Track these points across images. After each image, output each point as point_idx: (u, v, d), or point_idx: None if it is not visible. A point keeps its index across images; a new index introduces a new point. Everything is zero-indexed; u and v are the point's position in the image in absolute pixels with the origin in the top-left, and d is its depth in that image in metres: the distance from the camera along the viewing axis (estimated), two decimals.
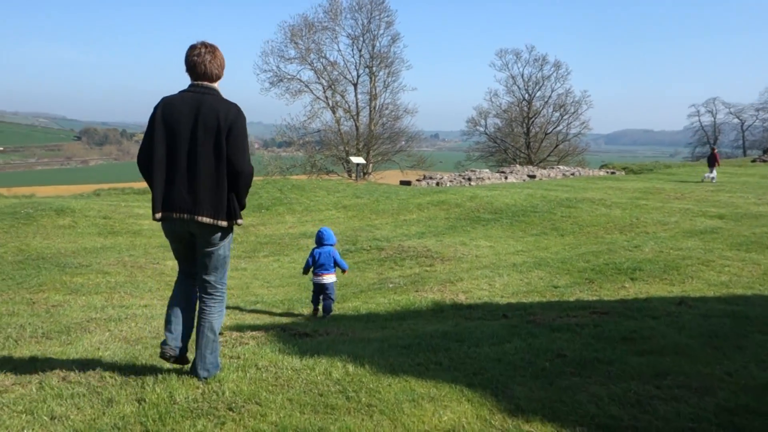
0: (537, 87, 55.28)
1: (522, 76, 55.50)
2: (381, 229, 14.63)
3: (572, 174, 32.18)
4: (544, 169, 34.14)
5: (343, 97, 47.41)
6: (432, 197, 18.07)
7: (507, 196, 17.84)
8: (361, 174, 43.87)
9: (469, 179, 27.83)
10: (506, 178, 29.31)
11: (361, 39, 46.56)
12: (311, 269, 7.22)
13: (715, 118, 75.62)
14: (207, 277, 4.03)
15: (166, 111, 3.88)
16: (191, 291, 4.14)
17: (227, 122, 3.81)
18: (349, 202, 17.68)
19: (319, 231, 7.43)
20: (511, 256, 11.31)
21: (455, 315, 6.85)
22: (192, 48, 3.97)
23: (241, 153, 3.85)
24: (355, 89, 47.35)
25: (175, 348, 3.98)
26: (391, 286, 8.83)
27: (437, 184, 26.61)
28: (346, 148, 45.93)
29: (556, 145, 55.16)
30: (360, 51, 46.79)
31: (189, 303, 4.13)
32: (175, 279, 4.25)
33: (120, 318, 6.21)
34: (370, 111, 47.39)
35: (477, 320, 6.47)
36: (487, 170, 31.36)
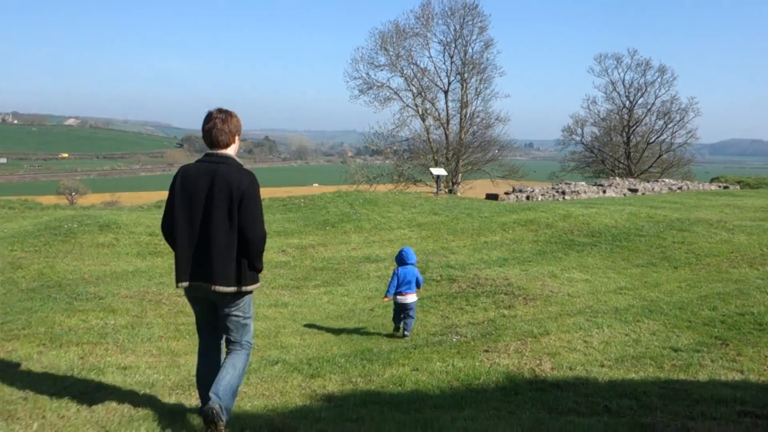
0: (639, 93, 51.50)
1: (623, 81, 51.92)
2: (457, 254, 12.67)
3: (679, 188, 29.06)
4: (647, 182, 31.08)
5: (433, 104, 45.74)
6: (519, 215, 15.93)
7: (606, 215, 15.48)
8: (441, 186, 41.96)
9: (563, 193, 25.37)
10: (604, 191, 26.63)
11: (453, 45, 44.75)
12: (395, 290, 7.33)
13: None
14: (231, 338, 4.22)
15: (184, 181, 4.06)
16: (216, 362, 4.26)
17: (239, 192, 3.95)
18: (424, 219, 15.79)
19: (402, 251, 7.56)
20: (612, 295, 9.13)
21: (534, 401, 4.87)
22: (207, 116, 4.15)
23: (252, 221, 4.01)
24: (446, 96, 45.60)
25: (215, 400, 3.89)
26: (455, 339, 6.90)
27: (527, 198, 24.31)
28: (435, 157, 44.18)
29: (659, 156, 51.20)
30: (452, 57, 44.98)
31: (215, 370, 4.15)
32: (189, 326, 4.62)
33: (71, 393, 4.58)
34: (461, 119, 45.42)
35: (565, 414, 4.48)
36: (584, 183, 28.71)
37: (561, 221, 15.03)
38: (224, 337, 4.26)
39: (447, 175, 41.14)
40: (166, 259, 11.52)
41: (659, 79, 50.39)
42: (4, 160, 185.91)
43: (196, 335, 4.42)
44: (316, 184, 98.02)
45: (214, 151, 4.12)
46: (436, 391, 5.18)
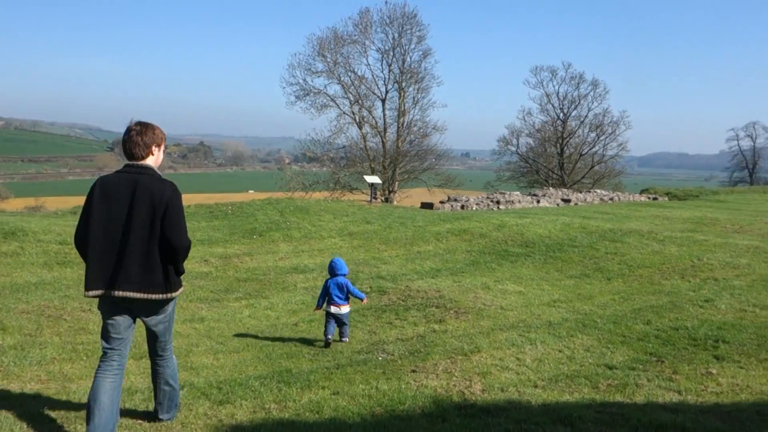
0: (573, 106, 52.51)
1: (557, 94, 52.84)
2: (389, 264, 12.24)
3: (611, 199, 29.49)
4: (580, 192, 31.46)
5: (370, 112, 45.40)
6: (453, 224, 15.64)
7: (540, 225, 15.35)
8: (377, 194, 41.68)
9: (498, 202, 25.34)
10: (538, 201, 26.75)
11: (392, 53, 44.54)
12: (325, 301, 7.27)
13: (755, 143, 72.00)
14: (157, 344, 4.36)
15: (103, 191, 4.05)
16: (116, 388, 4.14)
17: (162, 202, 4.01)
18: (357, 228, 15.31)
19: (332, 261, 7.42)
20: (546, 308, 8.85)
21: (462, 429, 4.45)
22: (126, 130, 4.22)
23: (177, 229, 4.07)
24: (383, 105, 45.35)
25: None
26: (381, 358, 6.43)
27: (462, 207, 24.14)
28: (372, 165, 43.86)
29: (591, 167, 52.28)
30: (390, 66, 44.76)
31: (112, 401, 4.09)
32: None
33: None
34: (398, 127, 45.29)
35: None
36: (518, 193, 28.80)
37: (495, 231, 14.81)
38: (150, 349, 4.44)
39: (382, 184, 40.94)
40: (75, 270, 10.70)
41: (592, 93, 51.58)
42: None
43: (95, 355, 4.53)
44: (252, 191, 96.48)
45: (134, 162, 4.18)
46: (357, 418, 4.69)
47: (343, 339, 7.34)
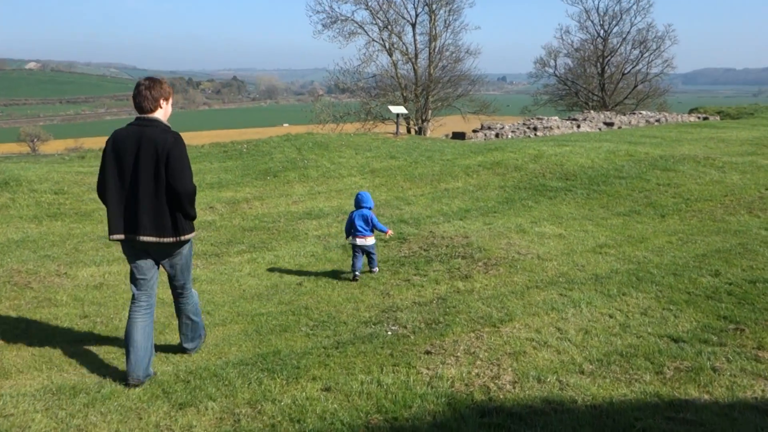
0: (614, 21, 49.22)
1: (597, 9, 49.87)
2: (412, 204, 11.02)
3: (657, 121, 27.52)
4: (624, 115, 29.47)
5: (400, 38, 43.23)
6: (485, 156, 14.27)
7: (582, 154, 13.89)
8: (410, 125, 40.14)
9: (535, 129, 23.71)
10: (579, 126, 25.01)
11: None
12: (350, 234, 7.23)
13: None
14: (175, 283, 4.79)
15: (115, 144, 4.40)
16: (148, 326, 4.58)
17: (164, 150, 4.31)
18: (379, 164, 14.05)
19: (358, 194, 7.32)
20: (591, 255, 7.57)
21: None
22: (136, 85, 4.53)
23: (179, 175, 4.33)
24: (413, 30, 43.11)
25: (137, 379, 4.40)
26: (390, 332, 5.29)
27: (497, 135, 22.61)
28: (404, 93, 42.12)
29: (635, 86, 49.38)
30: None
31: (146, 338, 4.54)
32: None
33: None
34: (430, 53, 43.18)
35: None
36: (556, 118, 27.05)
37: (531, 163, 13.42)
38: (171, 288, 4.86)
39: (415, 113, 39.39)
40: (66, 223, 9.76)
41: (635, 6, 48.16)
42: None
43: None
44: (286, 124, 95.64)
45: (143, 116, 4.46)
46: (347, 431, 3.59)
47: (373, 270, 7.35)
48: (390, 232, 7.55)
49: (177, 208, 4.41)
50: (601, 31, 49.87)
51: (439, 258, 7.68)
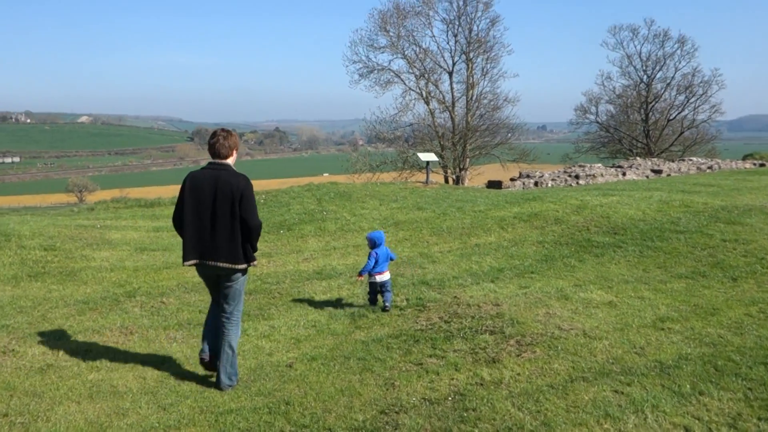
0: (657, 67, 47.71)
1: (639, 55, 48.17)
2: (437, 263, 9.68)
3: (709, 168, 25.79)
4: (672, 161, 27.79)
5: (437, 86, 42.45)
6: (522, 207, 12.88)
7: (631, 205, 12.42)
8: (448, 174, 39.09)
9: (577, 177, 22.25)
10: (624, 174, 23.46)
11: (457, 23, 41.43)
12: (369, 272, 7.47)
13: None
14: (226, 306, 5.39)
15: (193, 183, 5.17)
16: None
17: (238, 191, 5.07)
18: (405, 216, 12.77)
19: (374, 235, 7.67)
20: (651, 332, 6.11)
21: None
22: (212, 134, 5.32)
23: (251, 212, 5.12)
24: (451, 78, 42.30)
25: (207, 354, 5.42)
26: None
27: (535, 184, 21.21)
28: (441, 142, 41.12)
29: (681, 133, 47.48)
30: (456, 36, 41.65)
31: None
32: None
33: None
34: (467, 101, 42.20)
35: None
36: (600, 165, 25.56)
37: (574, 214, 11.99)
38: (220, 311, 5.43)
39: (443, 162, 38.33)
40: (46, 284, 8.67)
41: (679, 51, 46.58)
42: (17, 159, 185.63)
43: None
44: (326, 174, 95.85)
45: (216, 161, 5.24)
46: None
47: (386, 304, 7.45)
48: (396, 258, 8.09)
49: (246, 240, 5.20)
50: (644, 77, 48.43)
51: (462, 333, 6.30)
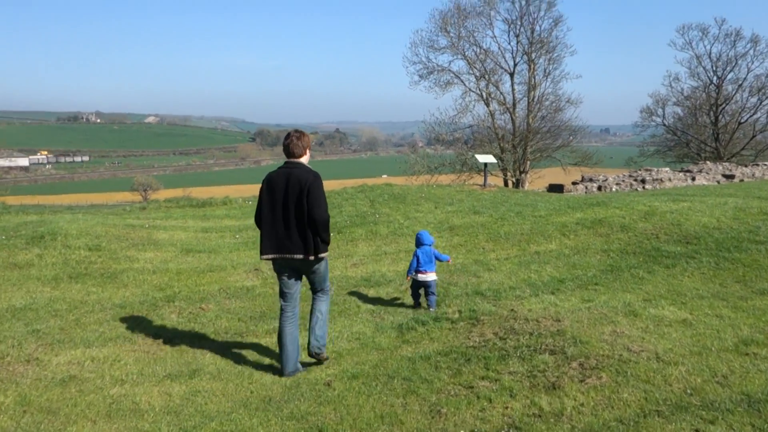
0: (728, 67, 45.58)
1: (709, 55, 46.15)
2: (493, 271, 9.10)
3: None
4: (745, 166, 26.35)
5: (497, 87, 41.58)
6: (585, 213, 12.15)
7: (703, 211, 11.55)
8: (508, 176, 38.31)
9: (643, 181, 21.23)
10: (694, 179, 22.31)
11: (519, 23, 40.52)
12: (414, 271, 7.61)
13: None
14: (315, 287, 5.84)
15: (269, 184, 5.58)
16: (294, 330, 5.72)
17: (306, 185, 5.42)
18: (460, 220, 12.20)
19: (419, 234, 7.88)
20: (734, 358, 5.40)
21: None
22: (286, 136, 5.67)
23: (317, 206, 5.43)
24: (512, 79, 41.39)
25: (288, 373, 5.63)
26: None
27: (599, 188, 20.31)
28: (501, 144, 40.25)
29: (753, 136, 45.31)
30: (517, 37, 40.74)
31: (294, 339, 5.70)
32: None
33: None
34: (528, 102, 41.23)
35: None
36: (667, 169, 24.39)
37: (641, 221, 11.20)
38: (312, 290, 5.87)
39: (503, 165, 37.49)
40: (86, 286, 8.47)
41: (752, 51, 44.36)
42: (86, 158, 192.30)
43: None
44: (385, 176, 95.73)
45: (291, 160, 5.63)
46: None
47: (431, 308, 7.53)
48: (450, 260, 8.32)
49: (314, 233, 5.45)
50: (714, 78, 46.42)
51: (518, 352, 5.72)
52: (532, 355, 5.61)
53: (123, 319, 7.17)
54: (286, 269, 5.60)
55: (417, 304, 7.67)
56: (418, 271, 7.56)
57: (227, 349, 6.29)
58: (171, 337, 6.60)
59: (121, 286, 8.51)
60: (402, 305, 7.73)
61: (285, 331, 5.62)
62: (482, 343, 6.08)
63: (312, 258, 5.45)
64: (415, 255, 7.69)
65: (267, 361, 5.99)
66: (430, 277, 7.57)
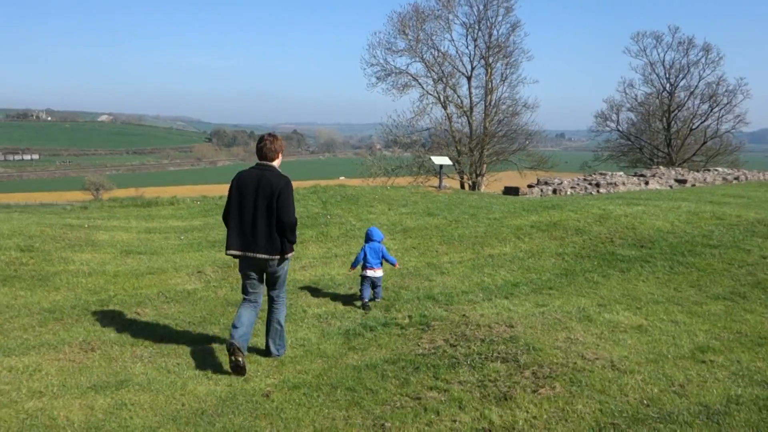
0: (681, 75, 46.45)
1: (663, 62, 46.94)
2: (446, 275, 8.84)
3: (736, 178, 24.74)
4: (697, 171, 26.72)
5: (455, 91, 41.60)
6: (540, 216, 11.99)
7: (657, 215, 11.50)
8: (465, 180, 38.40)
9: (598, 185, 21.30)
10: (647, 183, 22.49)
11: (477, 27, 40.57)
12: (360, 264, 7.76)
13: None
14: (272, 292, 5.94)
15: (239, 182, 5.68)
16: (253, 314, 5.82)
17: (277, 189, 5.52)
18: (414, 222, 11.92)
19: (369, 229, 8.07)
20: (691, 366, 5.21)
21: None
22: (260, 139, 5.80)
23: (286, 209, 5.54)
24: (469, 83, 41.43)
25: (238, 341, 5.48)
26: None
27: (554, 191, 20.29)
28: (458, 147, 40.24)
29: (704, 142, 46.18)
30: (475, 41, 40.78)
31: (250, 321, 5.75)
32: None
33: None
34: (485, 106, 41.32)
35: None
36: (622, 173, 24.57)
37: (596, 224, 11.08)
38: (268, 295, 5.98)
39: (460, 168, 37.51)
40: (14, 289, 7.88)
41: (704, 59, 45.33)
42: (36, 156, 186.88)
43: None
44: (343, 177, 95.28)
45: (263, 162, 5.73)
46: None
47: (377, 299, 7.73)
48: (397, 265, 8.22)
49: (281, 234, 5.59)
50: (668, 85, 47.30)
51: (469, 360, 5.44)
52: (484, 364, 5.33)
53: (50, 325, 6.67)
54: (251, 269, 5.71)
55: (365, 300, 7.59)
56: (366, 267, 7.65)
57: (161, 357, 5.86)
58: (100, 344, 6.13)
59: (53, 290, 7.98)
60: (351, 310, 7.39)
61: (243, 310, 5.74)
62: (432, 351, 5.79)
63: (277, 257, 5.58)
64: (363, 249, 7.81)
65: (203, 369, 5.59)
66: (378, 273, 7.68)
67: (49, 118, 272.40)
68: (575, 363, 5.23)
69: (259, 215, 5.51)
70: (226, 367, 5.59)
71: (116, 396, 4.96)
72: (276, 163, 5.75)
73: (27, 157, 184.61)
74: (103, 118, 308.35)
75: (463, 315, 6.80)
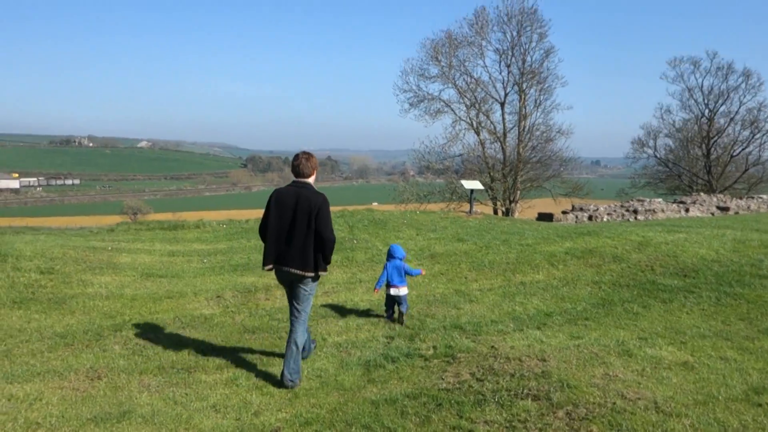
0: (720, 100, 45.42)
1: (701, 88, 45.99)
2: (475, 302, 8.38)
3: None
4: (741, 199, 25.83)
5: (488, 117, 41.17)
6: (575, 242, 11.46)
7: (701, 243, 10.90)
8: (498, 205, 37.85)
9: (635, 212, 20.62)
10: (687, 210, 21.73)
11: (510, 53, 40.12)
12: (384, 284, 7.69)
13: None
14: (296, 305, 5.89)
15: (277, 198, 5.77)
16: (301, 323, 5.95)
17: (316, 207, 5.63)
18: (443, 248, 11.49)
19: (390, 247, 7.94)
20: (745, 409, 4.69)
21: None
22: (295, 157, 5.89)
23: (325, 226, 5.64)
24: (502, 108, 40.97)
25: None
26: None
27: (590, 218, 19.67)
28: (491, 173, 39.74)
29: (746, 170, 45.01)
30: (508, 67, 40.35)
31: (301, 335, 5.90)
32: None
33: None
34: (519, 132, 40.74)
35: None
36: (660, 200, 23.81)
37: (635, 252, 10.53)
38: (291, 313, 5.96)
39: (493, 194, 36.95)
40: (29, 312, 7.68)
41: (744, 84, 44.27)
42: (77, 181, 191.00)
43: None
44: (375, 203, 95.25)
45: (299, 179, 5.84)
46: None
47: (403, 320, 7.54)
48: (423, 271, 8.52)
49: (319, 250, 5.70)
50: (706, 111, 46.20)
51: (497, 396, 4.99)
52: (513, 401, 4.88)
53: (60, 351, 6.40)
54: (283, 281, 5.85)
55: (390, 318, 7.68)
56: (390, 285, 7.62)
57: (169, 387, 5.52)
58: (108, 371, 5.83)
59: (68, 313, 7.73)
60: (373, 339, 6.99)
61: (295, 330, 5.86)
62: (457, 385, 5.34)
63: (310, 274, 5.64)
64: (385, 268, 7.75)
65: (211, 400, 5.22)
66: (402, 291, 7.63)
67: (91, 144, 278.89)
68: (614, 403, 4.74)
69: (297, 231, 5.60)
70: (235, 399, 5.23)
71: (117, 429, 4.63)
72: (311, 180, 5.88)
73: (69, 182, 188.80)
74: (143, 144, 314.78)
75: (492, 347, 6.35)
